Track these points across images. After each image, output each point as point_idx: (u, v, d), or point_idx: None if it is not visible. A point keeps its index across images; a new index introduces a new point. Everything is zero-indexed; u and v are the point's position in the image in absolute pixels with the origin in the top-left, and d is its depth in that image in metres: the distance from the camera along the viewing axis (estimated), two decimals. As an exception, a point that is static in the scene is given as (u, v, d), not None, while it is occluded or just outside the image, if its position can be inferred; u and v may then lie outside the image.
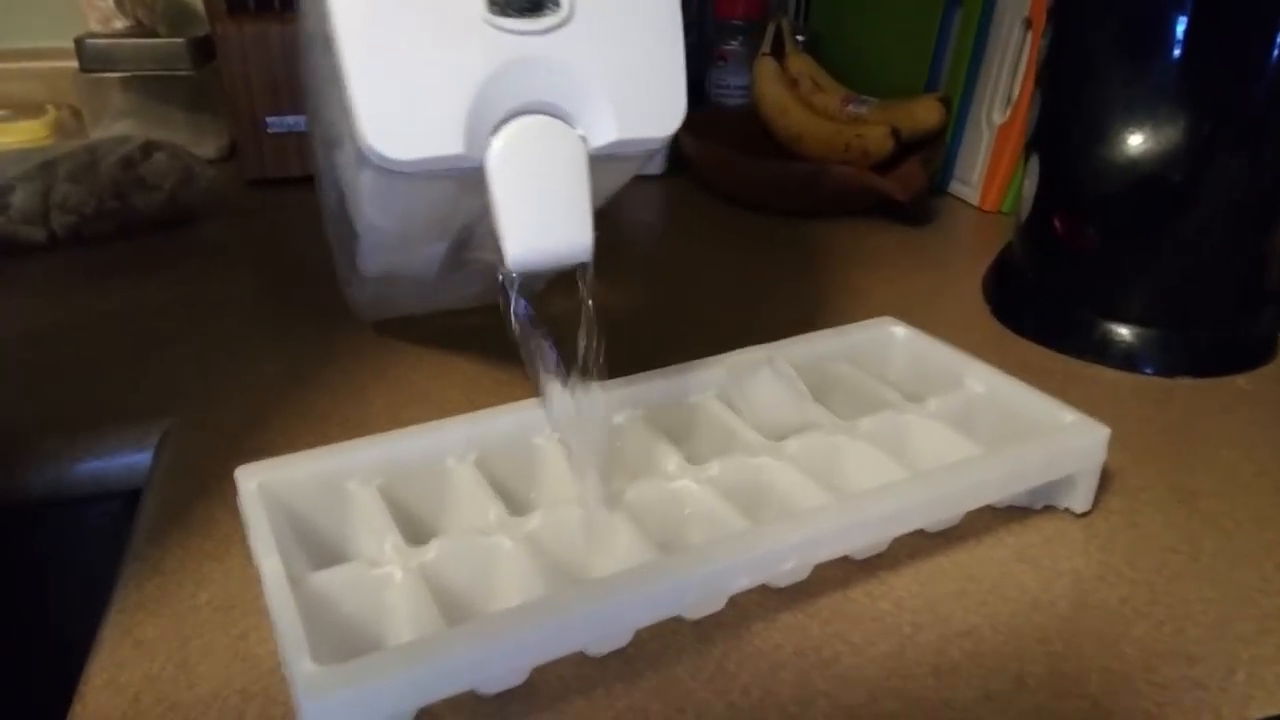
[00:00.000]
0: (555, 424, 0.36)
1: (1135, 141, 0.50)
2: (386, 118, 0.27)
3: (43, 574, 0.46)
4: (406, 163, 0.28)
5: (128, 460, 0.44)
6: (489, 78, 0.27)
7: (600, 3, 0.28)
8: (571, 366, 0.33)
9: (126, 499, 0.44)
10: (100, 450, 0.44)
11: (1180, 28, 0.48)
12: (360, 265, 0.43)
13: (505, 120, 0.28)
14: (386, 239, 0.39)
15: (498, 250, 0.30)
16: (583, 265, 0.31)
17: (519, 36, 0.27)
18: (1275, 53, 0.46)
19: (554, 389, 0.33)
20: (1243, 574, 0.36)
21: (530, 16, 0.28)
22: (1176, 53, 0.48)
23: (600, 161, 0.30)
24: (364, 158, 0.28)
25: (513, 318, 0.32)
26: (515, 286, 0.31)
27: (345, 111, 0.28)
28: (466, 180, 0.29)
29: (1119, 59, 0.51)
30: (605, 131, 0.29)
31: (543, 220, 0.30)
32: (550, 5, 0.28)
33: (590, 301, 0.32)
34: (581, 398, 0.33)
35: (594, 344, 0.33)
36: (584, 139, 0.29)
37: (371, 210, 0.34)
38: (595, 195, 0.30)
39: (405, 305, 0.52)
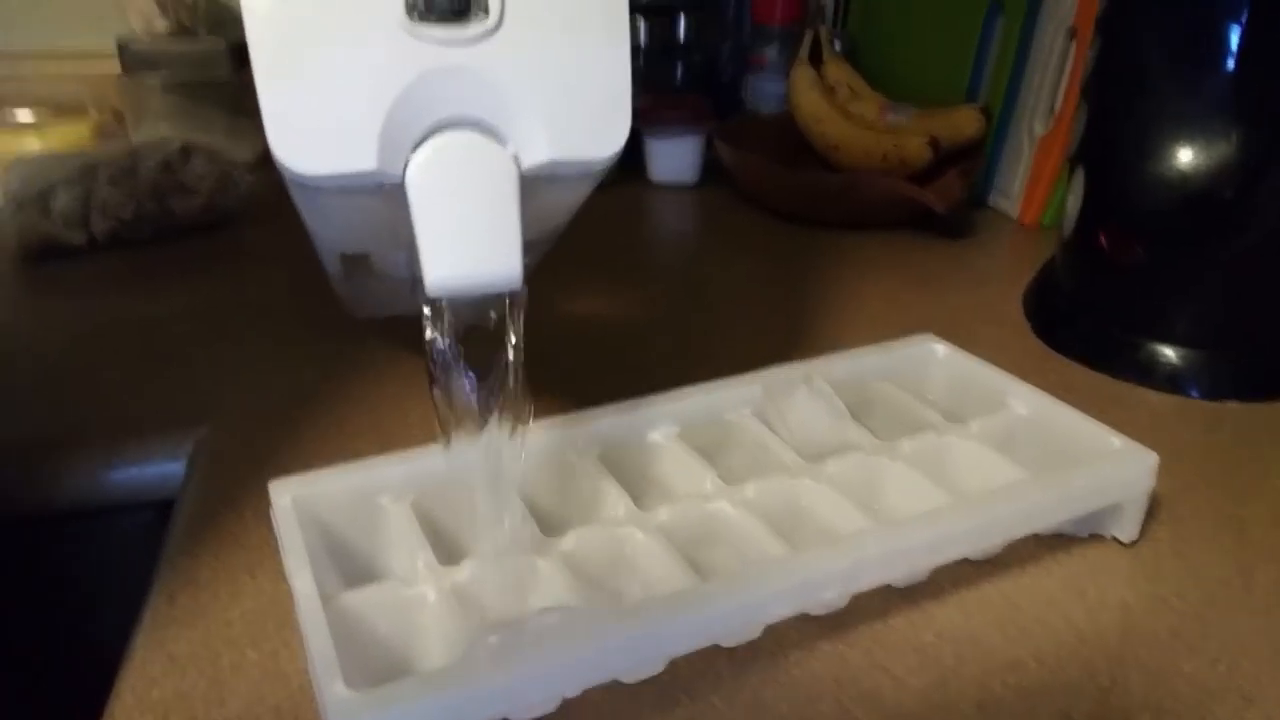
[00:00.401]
0: (459, 470, 0.32)
1: (1186, 156, 0.49)
2: (295, 129, 0.25)
3: (75, 583, 0.46)
4: (315, 178, 0.25)
5: (161, 469, 0.44)
6: (406, 90, 0.25)
7: (534, 11, 0.26)
8: (493, 407, 0.30)
9: (160, 508, 0.44)
10: (134, 459, 0.44)
11: (1235, 39, 0.47)
12: (324, 265, 0.42)
13: (428, 135, 0.26)
14: (334, 245, 0.37)
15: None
16: (512, 294, 0.28)
17: (441, 47, 0.25)
18: (1336, 68, 0.44)
19: (467, 434, 0.30)
20: (1299, 609, 0.35)
21: (454, 24, 0.25)
22: (1231, 65, 0.47)
23: (538, 183, 0.27)
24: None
25: (432, 350, 0.29)
26: (442, 318, 0.29)
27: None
28: (394, 196, 0.27)
29: (1171, 71, 0.50)
30: (538, 151, 0.27)
31: (466, 244, 0.27)
32: (477, 12, 0.25)
33: (514, 338, 0.29)
34: (496, 445, 0.30)
35: (514, 384, 0.30)
36: (515, 158, 0.27)
37: (309, 218, 0.33)
38: (539, 218, 0.28)
39: (389, 305, 0.51)
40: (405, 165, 0.26)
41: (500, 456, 0.31)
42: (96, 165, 0.65)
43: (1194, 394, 0.50)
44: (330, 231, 0.34)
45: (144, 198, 0.65)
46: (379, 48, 0.25)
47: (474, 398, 0.30)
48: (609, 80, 0.27)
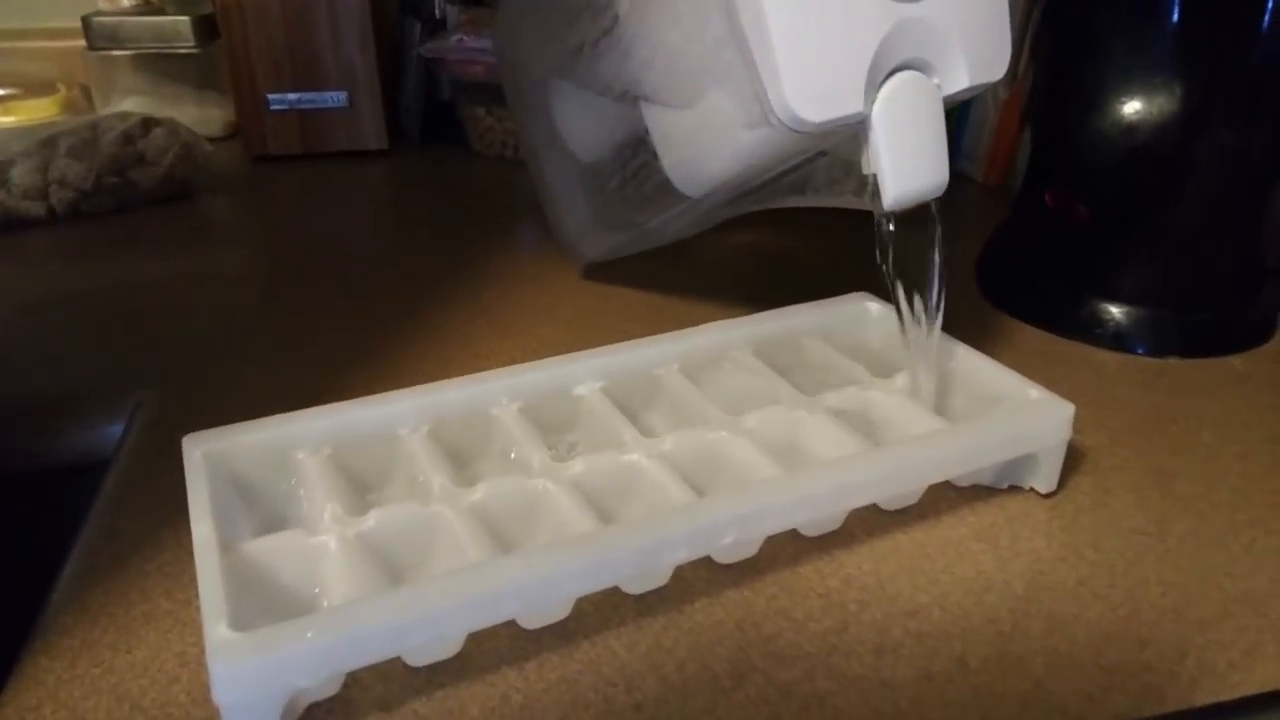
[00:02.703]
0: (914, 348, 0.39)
1: (1129, 111, 0.48)
2: (805, 84, 0.31)
3: (15, 544, 0.47)
4: (818, 124, 0.32)
5: (102, 433, 0.44)
6: (881, 41, 0.32)
7: None
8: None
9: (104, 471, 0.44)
10: (78, 421, 0.44)
11: (1178, -7, 0.46)
12: (652, 223, 0.50)
13: (884, 79, 0.33)
14: (712, 196, 0.43)
15: (863, 192, 0.36)
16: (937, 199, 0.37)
17: (903, 2, 0.32)
18: (1267, 19, 0.44)
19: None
20: (1210, 557, 0.35)
21: None
22: (1174, 18, 0.47)
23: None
24: (760, 122, 0.33)
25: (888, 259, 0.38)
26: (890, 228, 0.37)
27: (741, 80, 0.33)
28: (829, 135, 0.34)
29: (1114, 26, 0.49)
30: (957, 80, 0.34)
31: (916, 163, 0.34)
32: None
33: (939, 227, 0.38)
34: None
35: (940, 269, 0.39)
36: (939, 87, 0.34)
37: (722, 168, 0.39)
38: None
39: (632, 248, 0.57)
40: (871, 105, 0.33)
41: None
42: (56, 138, 0.66)
43: (1139, 351, 0.50)
44: (728, 180, 0.40)
45: (103, 170, 0.66)
46: (864, 10, 0.32)
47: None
48: (1001, 16, 0.35)
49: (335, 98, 0.78)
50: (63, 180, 0.64)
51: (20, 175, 0.64)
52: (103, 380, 0.47)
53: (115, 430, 0.45)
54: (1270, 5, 0.43)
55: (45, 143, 0.65)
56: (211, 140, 0.81)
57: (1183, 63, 0.47)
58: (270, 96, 0.77)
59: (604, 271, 0.58)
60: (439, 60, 0.78)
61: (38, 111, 0.81)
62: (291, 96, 0.77)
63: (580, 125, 0.51)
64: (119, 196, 0.67)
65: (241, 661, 0.25)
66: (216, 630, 0.25)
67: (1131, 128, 0.48)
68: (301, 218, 0.70)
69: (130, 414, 0.44)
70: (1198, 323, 0.51)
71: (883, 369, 0.41)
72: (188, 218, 0.69)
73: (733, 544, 0.32)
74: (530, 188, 0.60)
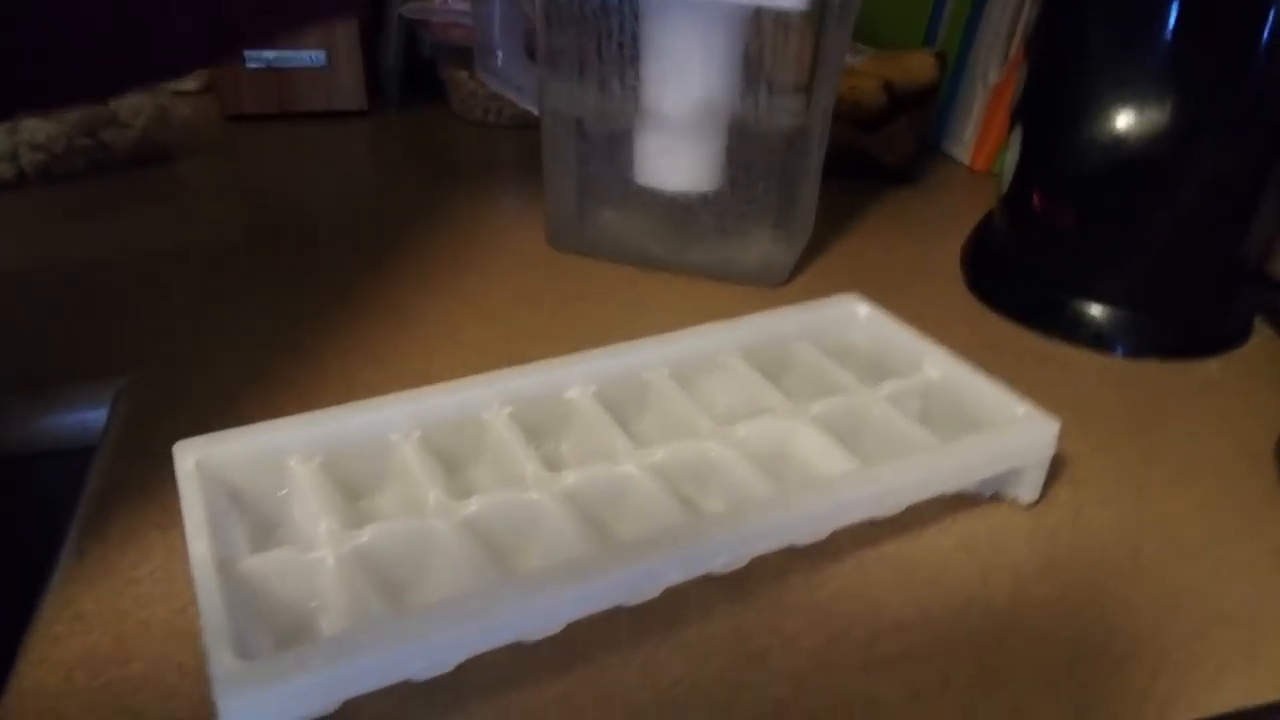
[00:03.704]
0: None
1: (1121, 120, 0.48)
2: None
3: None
4: None
5: (83, 417, 0.44)
6: None
7: None
8: None
9: (86, 456, 0.43)
10: (54, 406, 0.44)
11: (1175, 4, 0.46)
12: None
13: None
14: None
15: None
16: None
17: None
18: (1265, 36, 0.44)
19: None
20: (1185, 572, 0.36)
21: None
22: (1169, 30, 0.47)
23: None
24: None
25: None
26: None
27: None
28: None
29: (1110, 34, 0.49)
30: None
31: None
32: None
33: None
34: None
35: None
36: None
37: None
38: None
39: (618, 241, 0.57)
40: None
41: None
42: (25, 96, 0.63)
43: (1118, 351, 0.51)
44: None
45: (75, 131, 0.64)
46: None
47: None
48: None
49: (313, 57, 0.76)
50: (32, 141, 0.62)
51: (-13, 137, 0.62)
52: (81, 362, 0.46)
53: (93, 416, 0.44)
54: (1270, 23, 0.44)
55: (13, 101, 0.63)
56: (184, 94, 0.79)
57: (1176, 76, 0.47)
58: (246, 54, 0.75)
59: (588, 256, 0.58)
60: (421, 22, 0.76)
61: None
62: (268, 54, 0.75)
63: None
64: (91, 159, 0.65)
65: (248, 692, 0.25)
66: (222, 660, 0.25)
67: (1121, 137, 0.48)
68: (279, 184, 0.69)
69: (112, 404, 0.43)
70: (1178, 326, 0.52)
71: (870, 374, 0.42)
72: (162, 180, 0.67)
73: (724, 563, 0.33)
74: (512, 155, 0.59)
